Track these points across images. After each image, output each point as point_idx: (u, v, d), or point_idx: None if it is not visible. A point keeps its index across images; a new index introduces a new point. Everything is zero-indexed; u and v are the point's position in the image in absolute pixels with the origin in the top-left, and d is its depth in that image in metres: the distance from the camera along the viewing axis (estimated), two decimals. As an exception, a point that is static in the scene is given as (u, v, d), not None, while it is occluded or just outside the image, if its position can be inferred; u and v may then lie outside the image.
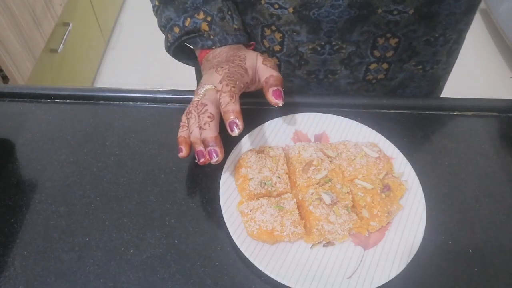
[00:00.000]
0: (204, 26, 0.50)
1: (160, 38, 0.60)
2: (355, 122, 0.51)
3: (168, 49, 0.55)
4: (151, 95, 0.56)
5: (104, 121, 0.54)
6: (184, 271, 0.41)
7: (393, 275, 0.39)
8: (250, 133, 0.49)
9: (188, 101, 0.49)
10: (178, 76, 1.27)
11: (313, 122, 0.51)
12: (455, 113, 0.55)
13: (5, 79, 1.19)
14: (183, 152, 0.45)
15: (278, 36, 0.54)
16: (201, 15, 0.50)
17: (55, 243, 0.43)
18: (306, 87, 0.59)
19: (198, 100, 0.44)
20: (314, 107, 0.54)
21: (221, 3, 0.51)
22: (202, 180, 0.48)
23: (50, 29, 1.36)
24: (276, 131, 0.51)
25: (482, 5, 2.03)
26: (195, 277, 0.41)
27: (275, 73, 0.47)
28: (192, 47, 0.57)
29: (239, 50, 0.50)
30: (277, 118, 0.51)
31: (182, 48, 0.57)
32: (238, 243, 0.41)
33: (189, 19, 0.51)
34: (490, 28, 2.07)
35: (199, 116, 0.43)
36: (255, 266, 0.40)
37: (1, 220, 0.45)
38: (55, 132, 0.52)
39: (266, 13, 0.52)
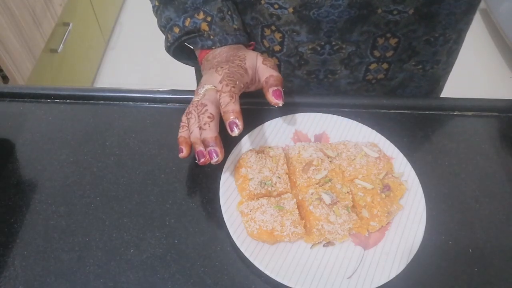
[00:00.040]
0: (204, 26, 0.50)
1: (160, 38, 0.60)
2: (355, 122, 0.51)
3: (168, 49, 0.55)
4: (151, 95, 0.56)
5: (104, 121, 0.54)
6: (184, 271, 0.41)
7: (393, 275, 0.39)
8: (250, 133, 0.49)
9: (188, 101, 0.49)
10: (178, 76, 1.27)
11: (313, 122, 0.51)
12: (455, 113, 0.55)
13: (5, 79, 1.19)
14: (184, 153, 0.45)
15: (278, 36, 0.54)
16: (201, 15, 0.50)
17: (55, 243, 0.43)
18: (306, 87, 0.59)
19: (198, 100, 0.44)
20: (314, 107, 0.54)
21: (221, 3, 0.51)
22: (202, 180, 0.48)
23: (50, 29, 1.36)
24: (276, 131, 0.51)
25: (482, 5, 2.03)
26: (195, 277, 0.41)
27: (275, 73, 0.47)
28: (192, 47, 0.57)
29: (239, 50, 0.50)
30: (277, 118, 0.51)
31: (182, 48, 0.57)
32: (238, 243, 0.41)
33: (189, 19, 0.51)
34: (490, 28, 2.07)
35: (199, 116, 0.43)
36: (255, 266, 0.40)
37: (1, 220, 0.45)
38: (55, 132, 0.53)
39: (266, 13, 0.52)
